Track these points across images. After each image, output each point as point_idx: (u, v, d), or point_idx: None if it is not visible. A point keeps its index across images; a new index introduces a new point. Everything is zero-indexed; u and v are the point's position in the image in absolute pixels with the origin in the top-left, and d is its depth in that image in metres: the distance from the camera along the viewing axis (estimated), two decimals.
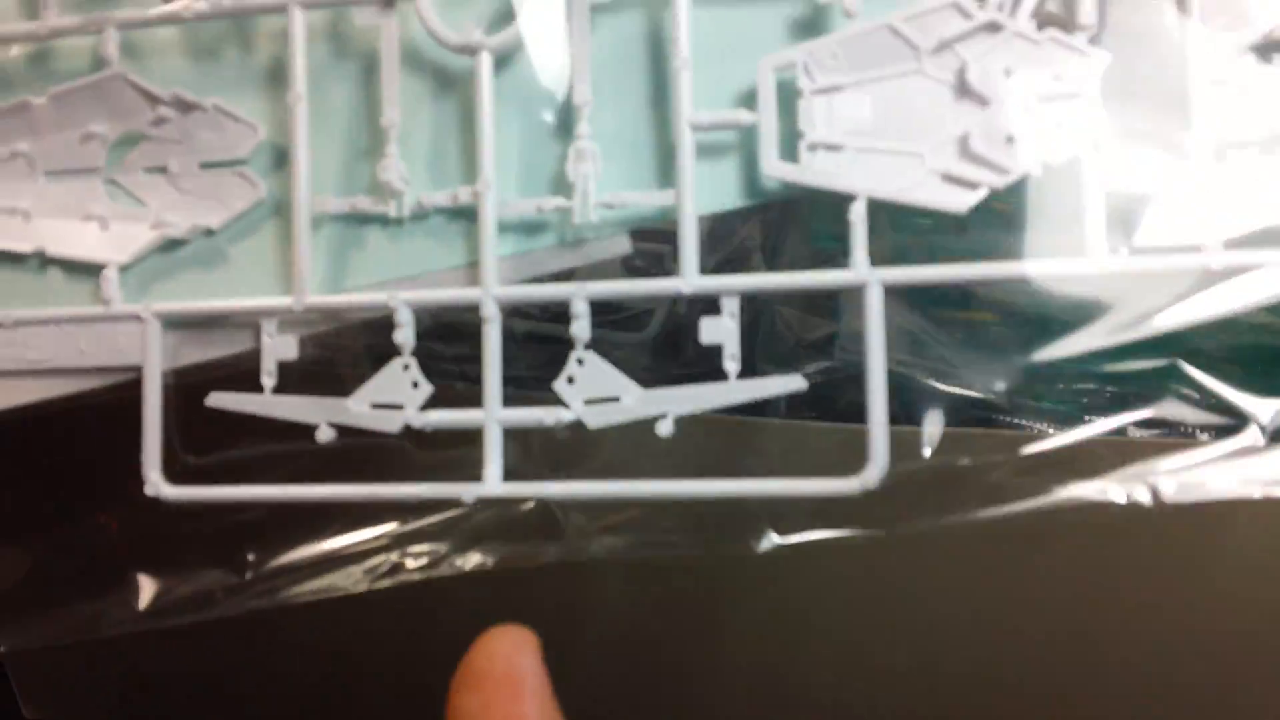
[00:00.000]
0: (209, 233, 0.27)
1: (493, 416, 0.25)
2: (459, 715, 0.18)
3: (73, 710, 0.34)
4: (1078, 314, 0.23)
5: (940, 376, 0.24)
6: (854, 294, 0.23)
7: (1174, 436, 0.24)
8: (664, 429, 0.24)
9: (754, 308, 0.25)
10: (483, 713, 0.18)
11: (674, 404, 0.24)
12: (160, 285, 0.28)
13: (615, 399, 0.24)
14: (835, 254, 0.26)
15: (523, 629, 0.19)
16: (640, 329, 0.28)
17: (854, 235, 0.23)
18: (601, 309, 0.25)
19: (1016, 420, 0.25)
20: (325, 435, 0.26)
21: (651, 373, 0.26)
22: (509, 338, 0.25)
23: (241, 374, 0.28)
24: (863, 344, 0.23)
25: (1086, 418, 0.24)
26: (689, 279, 0.24)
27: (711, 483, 0.24)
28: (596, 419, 0.25)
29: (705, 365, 0.25)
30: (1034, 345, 0.24)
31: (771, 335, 0.27)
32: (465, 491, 0.25)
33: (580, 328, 0.24)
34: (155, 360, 0.27)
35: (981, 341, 0.25)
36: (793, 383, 0.24)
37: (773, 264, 0.27)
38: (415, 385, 0.25)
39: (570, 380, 0.25)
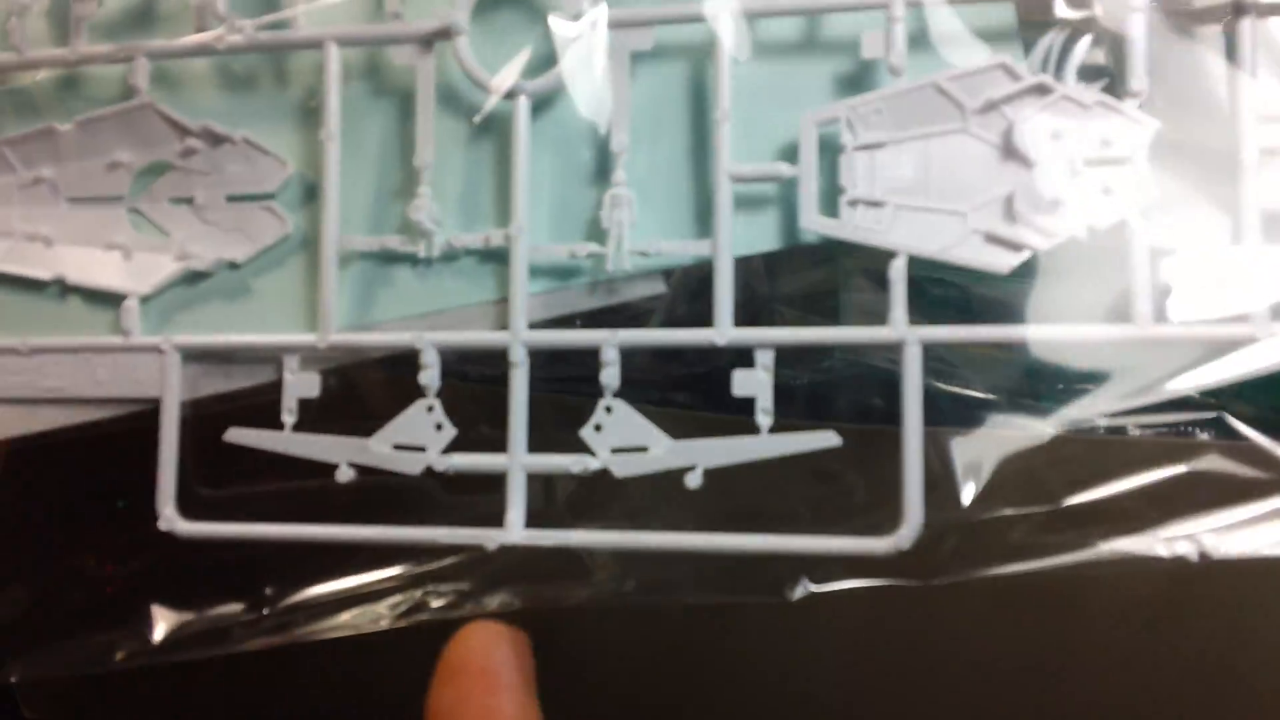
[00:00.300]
0: (233, 266, 0.26)
1: (517, 463, 0.24)
2: (436, 710, 0.18)
3: (72, 710, 0.32)
4: None
5: (940, 376, 0.23)
6: (854, 295, 0.22)
7: (1173, 436, 0.23)
8: (693, 481, 0.23)
9: (753, 308, 0.24)
10: (459, 706, 0.17)
11: (704, 456, 0.23)
12: (181, 317, 0.26)
13: (643, 448, 0.23)
14: (834, 253, 0.25)
15: (499, 623, 0.19)
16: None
17: (893, 293, 0.22)
18: (600, 311, 0.24)
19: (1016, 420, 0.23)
20: (345, 475, 0.25)
21: (650, 374, 0.25)
22: None
23: (256, 406, 0.27)
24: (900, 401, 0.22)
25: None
26: (723, 330, 0.22)
27: (740, 537, 0.23)
28: (624, 469, 0.23)
29: (704, 366, 0.24)
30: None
31: None
32: (488, 539, 0.23)
33: (610, 375, 0.23)
34: (174, 394, 0.26)
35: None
36: (827, 439, 0.22)
37: (772, 262, 0.26)
38: (439, 428, 0.24)
39: (598, 428, 0.23)
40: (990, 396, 0.23)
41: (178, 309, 0.26)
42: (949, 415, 0.23)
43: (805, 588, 0.23)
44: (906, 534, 0.22)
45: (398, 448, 0.24)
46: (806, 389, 0.24)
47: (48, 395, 0.27)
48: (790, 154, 0.22)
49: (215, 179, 0.26)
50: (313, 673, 0.30)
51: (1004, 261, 0.21)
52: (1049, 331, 0.21)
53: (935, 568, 0.23)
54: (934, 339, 0.21)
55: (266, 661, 0.30)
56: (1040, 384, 0.23)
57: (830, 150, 0.22)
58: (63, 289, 0.27)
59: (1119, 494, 0.23)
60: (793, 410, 0.23)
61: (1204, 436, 0.23)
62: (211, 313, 0.26)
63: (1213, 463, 0.22)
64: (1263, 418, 0.22)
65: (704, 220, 0.23)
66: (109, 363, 0.26)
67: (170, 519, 0.25)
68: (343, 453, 0.25)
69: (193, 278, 0.26)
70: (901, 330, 0.22)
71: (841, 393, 0.24)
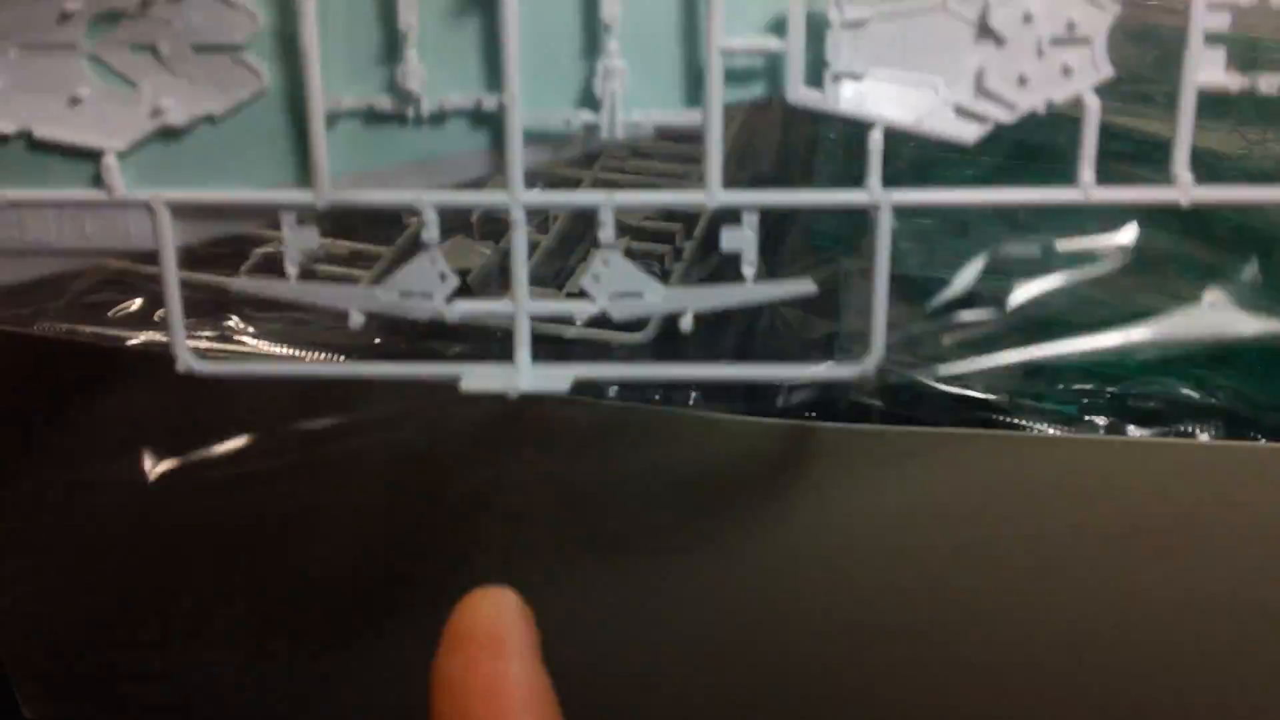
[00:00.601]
0: (210, 120, 0.25)
1: (522, 308, 0.25)
2: (442, 678, 0.17)
3: (73, 710, 0.33)
4: (1076, 316, 0.23)
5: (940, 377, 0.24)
6: (854, 295, 0.23)
7: (1174, 436, 0.24)
8: (685, 324, 0.25)
9: (754, 308, 0.25)
10: (466, 674, 0.16)
11: (695, 301, 0.25)
12: (162, 171, 0.25)
13: (639, 295, 0.25)
14: (834, 254, 0.26)
15: (506, 590, 0.18)
16: (639, 329, 0.27)
17: (870, 161, 0.23)
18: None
19: (1016, 420, 0.24)
20: (356, 321, 0.25)
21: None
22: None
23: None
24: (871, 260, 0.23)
25: (1086, 418, 0.24)
26: (713, 194, 0.23)
27: (728, 366, 0.25)
28: (621, 312, 0.25)
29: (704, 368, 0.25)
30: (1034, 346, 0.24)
31: (772, 335, 0.26)
32: (505, 378, 0.25)
33: (606, 234, 0.24)
34: (170, 249, 0.25)
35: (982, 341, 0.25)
36: (803, 286, 0.24)
37: (772, 262, 0.27)
38: (443, 277, 0.25)
39: (596, 278, 0.25)
40: (990, 397, 0.24)
41: (157, 163, 0.25)
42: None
43: (788, 396, 0.26)
44: (872, 362, 0.24)
45: (404, 295, 0.25)
46: (809, 389, 0.25)
47: (33, 248, 0.26)
48: (778, 28, 0.22)
49: (179, 28, 0.24)
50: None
51: (971, 132, 0.23)
52: (1009, 195, 0.23)
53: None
54: (905, 202, 0.23)
55: (261, 653, 0.31)
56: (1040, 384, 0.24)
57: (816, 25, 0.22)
58: (30, 143, 0.25)
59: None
60: (794, 411, 0.24)
61: (1204, 436, 0.24)
62: (192, 166, 0.25)
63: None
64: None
65: (694, 88, 0.23)
66: (96, 218, 0.26)
67: (187, 361, 0.26)
68: (351, 300, 0.25)
69: (169, 132, 0.25)
70: (876, 195, 0.23)
71: (845, 393, 0.25)
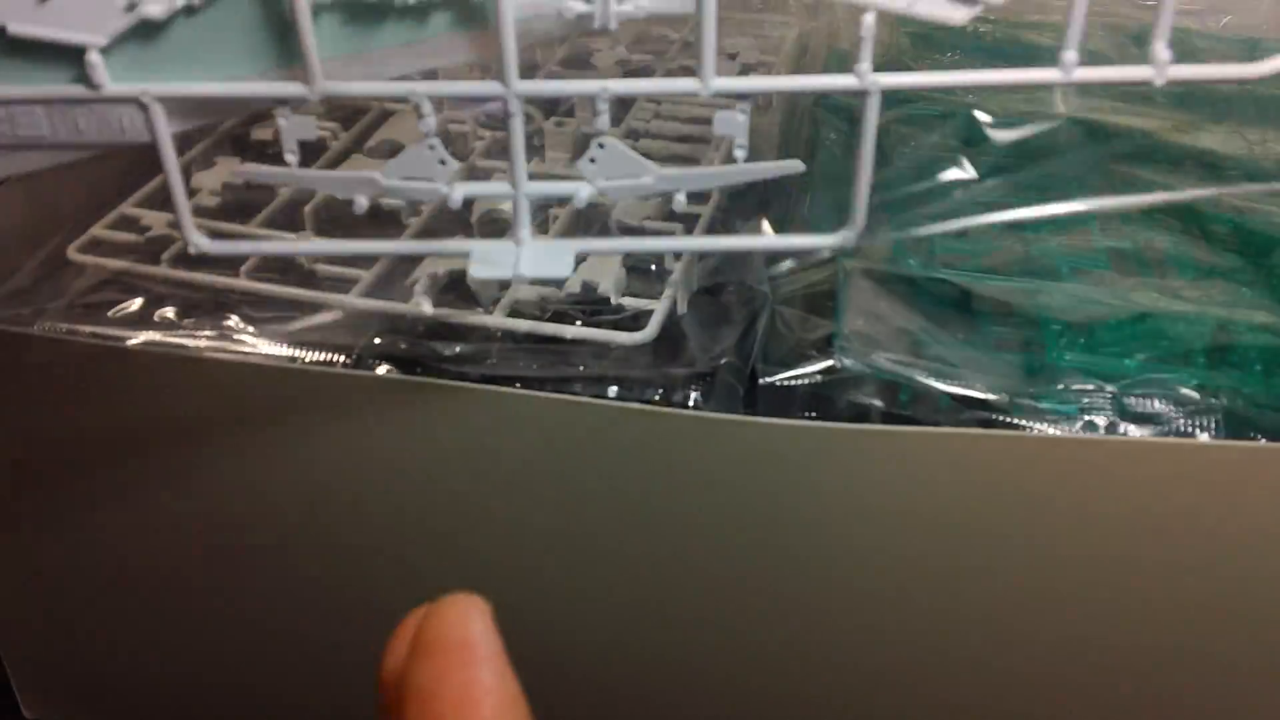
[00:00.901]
0: (190, 10, 0.24)
1: (521, 190, 0.25)
2: (411, 687, 0.16)
3: (73, 710, 0.33)
4: (1074, 314, 0.23)
5: (940, 376, 0.23)
6: (853, 293, 0.23)
7: (1174, 436, 0.23)
8: (679, 204, 0.25)
9: (754, 308, 0.24)
10: (435, 683, 0.16)
11: (689, 181, 0.25)
12: (146, 65, 0.24)
13: (635, 176, 0.25)
14: (836, 256, 0.25)
15: (473, 596, 0.17)
16: (639, 329, 0.26)
17: (863, 46, 0.22)
18: (600, 308, 0.24)
19: (1016, 420, 0.23)
20: (361, 206, 0.25)
21: (650, 372, 0.25)
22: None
23: None
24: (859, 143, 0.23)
25: (1086, 418, 0.23)
26: (708, 81, 0.23)
27: (716, 239, 0.26)
28: (618, 193, 0.25)
29: (705, 365, 0.25)
30: (1033, 345, 0.23)
31: (772, 335, 0.25)
32: (507, 255, 0.25)
33: (602, 122, 0.24)
34: (168, 143, 0.25)
35: (981, 342, 0.24)
36: (791, 165, 0.24)
37: (773, 261, 0.26)
38: (443, 163, 0.25)
39: (592, 161, 0.24)
40: (990, 396, 0.23)
41: (141, 56, 0.24)
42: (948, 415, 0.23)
43: (783, 266, 0.27)
44: (851, 234, 0.25)
45: (407, 181, 0.25)
46: (808, 390, 0.24)
47: (27, 143, 0.25)
48: None
49: None
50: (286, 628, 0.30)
51: (960, 14, 0.22)
52: (993, 76, 0.23)
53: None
54: (893, 85, 0.23)
55: (254, 649, 0.30)
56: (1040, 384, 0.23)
57: None
58: (9, 41, 0.24)
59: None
60: (792, 412, 0.24)
61: (1204, 436, 0.23)
62: (176, 60, 0.24)
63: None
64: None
65: None
66: (89, 113, 0.25)
67: (198, 243, 0.26)
68: (355, 187, 0.25)
69: (149, 25, 0.24)
70: (866, 80, 0.23)
71: (844, 393, 0.24)
